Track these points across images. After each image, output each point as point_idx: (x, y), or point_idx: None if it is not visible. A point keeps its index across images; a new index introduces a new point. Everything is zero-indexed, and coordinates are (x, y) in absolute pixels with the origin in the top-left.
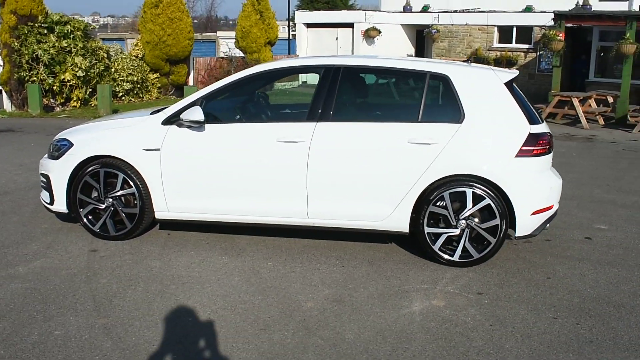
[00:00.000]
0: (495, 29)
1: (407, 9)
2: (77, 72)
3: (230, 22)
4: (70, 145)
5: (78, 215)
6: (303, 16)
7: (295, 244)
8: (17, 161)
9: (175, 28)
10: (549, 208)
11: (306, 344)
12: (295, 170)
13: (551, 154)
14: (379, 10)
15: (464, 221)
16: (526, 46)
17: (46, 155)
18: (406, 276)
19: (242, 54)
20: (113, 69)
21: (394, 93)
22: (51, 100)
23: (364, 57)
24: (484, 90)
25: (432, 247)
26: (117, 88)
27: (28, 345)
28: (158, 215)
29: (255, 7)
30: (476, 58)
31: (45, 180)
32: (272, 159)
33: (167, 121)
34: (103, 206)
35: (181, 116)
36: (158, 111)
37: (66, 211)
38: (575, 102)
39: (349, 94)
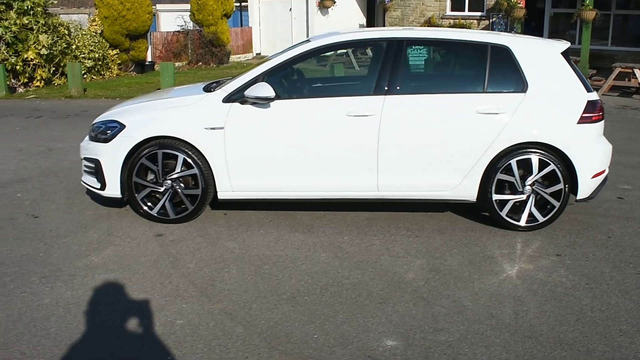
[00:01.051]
0: None
1: None
2: (40, 50)
3: None
4: (121, 126)
5: (133, 199)
6: None
7: (357, 217)
8: (12, 146)
9: (134, 2)
10: (603, 171)
11: (434, 314)
12: (366, 144)
13: (603, 121)
14: None
15: (529, 187)
16: (479, 14)
17: (87, 138)
18: (482, 243)
19: (197, 27)
20: (74, 46)
21: (457, 64)
22: (12, 80)
23: (426, 29)
24: (543, 60)
25: (500, 213)
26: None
27: (157, 336)
28: (221, 195)
29: None
30: (430, 26)
31: (92, 165)
32: (342, 134)
33: (228, 99)
34: (162, 189)
35: (246, 93)
36: (210, 87)
37: (120, 196)
38: None
39: (414, 66)
